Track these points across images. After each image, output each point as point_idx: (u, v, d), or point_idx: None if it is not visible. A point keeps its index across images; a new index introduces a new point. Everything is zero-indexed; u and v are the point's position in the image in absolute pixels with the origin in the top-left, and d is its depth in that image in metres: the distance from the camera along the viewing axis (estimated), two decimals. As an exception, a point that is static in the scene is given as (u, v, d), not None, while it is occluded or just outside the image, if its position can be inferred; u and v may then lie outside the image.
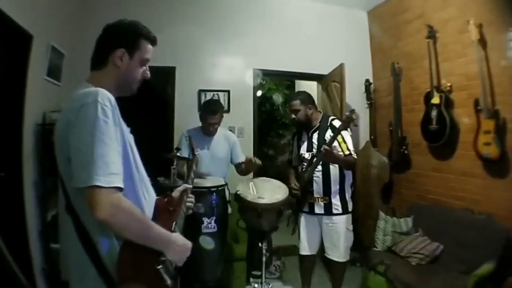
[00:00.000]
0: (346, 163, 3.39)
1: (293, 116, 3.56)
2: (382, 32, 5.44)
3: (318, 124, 3.56)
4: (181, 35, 4.95)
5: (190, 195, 1.86)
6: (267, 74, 5.66)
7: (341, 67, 4.88)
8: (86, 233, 1.31)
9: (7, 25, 2.99)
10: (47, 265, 3.37)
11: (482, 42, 3.54)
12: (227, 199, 3.45)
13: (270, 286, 3.50)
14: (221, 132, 3.82)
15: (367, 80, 5.45)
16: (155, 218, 1.50)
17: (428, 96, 4.18)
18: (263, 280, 3.41)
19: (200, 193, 3.18)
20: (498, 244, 3.11)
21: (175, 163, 3.12)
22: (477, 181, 3.75)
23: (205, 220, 3.15)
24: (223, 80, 5.16)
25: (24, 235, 3.19)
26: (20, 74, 3.28)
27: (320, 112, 3.75)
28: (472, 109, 3.61)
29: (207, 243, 3.15)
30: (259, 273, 3.54)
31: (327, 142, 3.14)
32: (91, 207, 1.21)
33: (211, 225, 3.17)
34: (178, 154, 3.17)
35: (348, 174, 3.55)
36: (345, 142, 3.33)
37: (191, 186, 1.90)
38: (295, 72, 5.57)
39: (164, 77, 5.07)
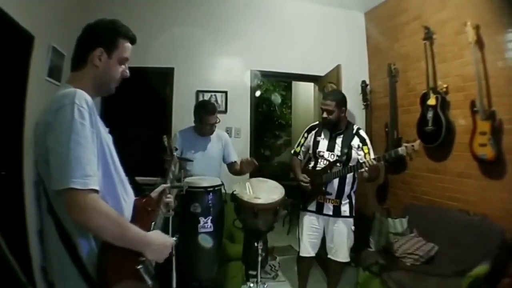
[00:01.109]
0: (377, 177, 3.53)
1: (325, 115, 3.47)
2: (379, 33, 5.42)
3: (343, 128, 3.54)
4: (179, 36, 4.96)
5: (168, 195, 1.86)
6: (265, 75, 5.64)
7: (337, 68, 4.87)
8: (66, 234, 1.32)
9: (9, 26, 2.99)
10: (46, 263, 3.36)
11: (479, 43, 3.51)
12: (224, 199, 3.44)
13: (265, 286, 3.50)
14: (215, 132, 3.82)
15: (363, 81, 5.43)
16: (134, 218, 1.50)
17: (424, 98, 4.16)
18: (259, 280, 3.41)
19: (197, 193, 3.19)
20: (493, 245, 3.09)
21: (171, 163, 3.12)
22: (472, 182, 3.73)
23: (202, 219, 3.14)
24: (221, 81, 5.16)
25: (24, 233, 3.19)
26: (22, 74, 3.29)
27: (346, 116, 3.70)
28: (468, 111, 3.59)
29: (206, 241, 3.16)
30: (254, 272, 3.54)
31: (369, 159, 3.19)
32: (68, 209, 1.24)
33: (208, 225, 3.16)
34: (174, 154, 3.17)
35: (357, 181, 3.57)
36: (369, 154, 3.36)
37: (169, 185, 1.90)
38: (292, 73, 5.56)
39: (162, 78, 5.09)
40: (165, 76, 5.07)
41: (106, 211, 1.29)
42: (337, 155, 3.45)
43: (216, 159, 3.79)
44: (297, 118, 8.65)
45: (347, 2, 5.51)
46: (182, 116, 4.82)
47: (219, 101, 4.99)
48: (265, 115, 9.05)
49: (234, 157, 3.88)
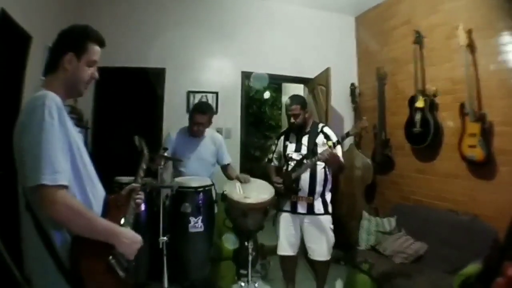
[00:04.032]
0: (341, 167, 3.52)
1: (293, 120, 3.52)
2: (369, 37, 5.41)
3: (309, 129, 3.55)
4: (171, 37, 4.91)
5: (139, 194, 1.84)
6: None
7: (327, 71, 4.84)
8: (43, 229, 1.36)
9: (8, 26, 2.98)
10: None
11: (471, 47, 3.50)
12: (214, 199, 3.39)
13: (256, 285, 3.44)
14: (208, 133, 3.74)
15: (352, 84, 5.43)
16: (105, 213, 1.55)
17: (412, 100, 4.15)
18: (249, 279, 3.35)
19: (187, 193, 3.14)
20: (483, 244, 3.03)
21: (162, 163, 3.06)
22: (461, 183, 3.72)
23: (192, 219, 3.09)
24: (212, 82, 5.10)
25: (20, 232, 3.10)
26: (18, 74, 3.26)
27: (311, 117, 3.73)
28: (456, 113, 3.58)
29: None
30: (245, 272, 3.48)
31: (328, 146, 3.14)
32: (40, 204, 1.31)
33: (198, 225, 3.11)
34: (165, 154, 3.11)
35: (330, 178, 3.55)
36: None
37: (138, 185, 1.88)
38: (282, 75, 5.53)
39: (154, 78, 5.01)
40: (157, 76, 5.00)
41: (74, 205, 1.35)
42: (304, 154, 3.45)
43: (208, 160, 3.71)
44: (286, 119, 8.61)
45: (338, 6, 5.48)
46: (173, 116, 4.82)
47: (209, 102, 4.92)
48: (255, 116, 9.02)
49: (228, 160, 3.83)
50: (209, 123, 3.66)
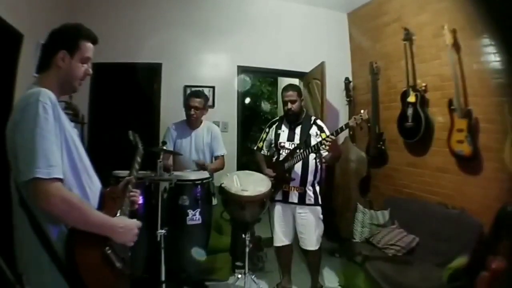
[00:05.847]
0: (340, 156, 3.55)
1: (290, 106, 3.52)
2: (361, 33, 5.44)
3: (302, 120, 3.58)
4: (167, 33, 4.91)
5: (134, 189, 1.85)
6: (252, 71, 5.65)
7: (322, 65, 4.87)
8: (38, 224, 1.37)
9: None
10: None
11: (456, 46, 3.55)
12: (212, 191, 3.40)
13: (253, 277, 3.46)
14: (205, 124, 3.81)
15: (346, 78, 5.46)
16: (101, 205, 1.57)
17: (404, 95, 4.18)
18: (246, 271, 3.38)
19: (185, 186, 3.14)
20: (471, 237, 3.07)
21: (161, 157, 3.07)
22: (450, 177, 3.76)
23: (190, 212, 3.09)
24: (208, 77, 5.13)
25: (11, 231, 3.10)
26: (10, 71, 3.25)
27: (303, 108, 3.75)
28: (446, 108, 3.62)
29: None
30: (242, 264, 3.51)
31: (328, 135, 3.19)
32: (34, 198, 1.31)
33: (196, 217, 3.12)
34: (164, 147, 3.12)
35: (321, 170, 3.59)
36: None
37: (133, 179, 1.89)
38: (278, 70, 5.57)
39: (150, 73, 5.03)
40: (153, 71, 5.02)
41: (69, 198, 1.36)
42: (297, 143, 3.49)
43: (205, 151, 3.75)
44: (282, 112, 8.64)
45: (330, 2, 5.51)
46: (170, 110, 4.83)
47: (206, 96, 4.95)
48: (252, 109, 9.04)
49: (221, 151, 3.85)
50: (204, 108, 3.72)
